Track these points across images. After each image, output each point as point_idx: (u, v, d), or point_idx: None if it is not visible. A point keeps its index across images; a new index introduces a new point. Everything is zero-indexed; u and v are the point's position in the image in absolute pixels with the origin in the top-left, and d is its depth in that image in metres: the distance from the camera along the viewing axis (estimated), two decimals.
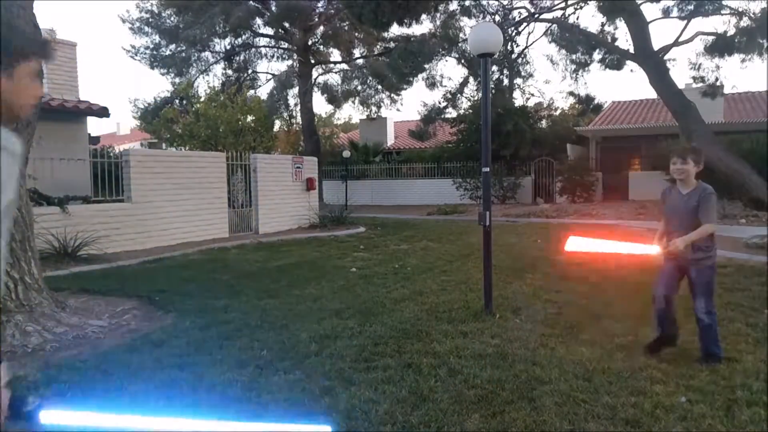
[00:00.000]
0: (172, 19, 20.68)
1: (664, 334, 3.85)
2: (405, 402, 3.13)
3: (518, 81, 22.18)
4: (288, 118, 25.31)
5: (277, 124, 26.79)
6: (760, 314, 4.92)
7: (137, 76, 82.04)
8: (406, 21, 14.87)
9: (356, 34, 21.31)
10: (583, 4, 14.59)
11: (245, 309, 5.41)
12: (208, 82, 34.61)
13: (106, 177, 9.98)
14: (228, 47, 22.07)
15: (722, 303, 5.35)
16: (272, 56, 23.44)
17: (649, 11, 35.03)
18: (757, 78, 53.54)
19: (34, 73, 1.65)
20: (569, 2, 14.64)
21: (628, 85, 74.53)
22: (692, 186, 3.70)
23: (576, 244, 3.85)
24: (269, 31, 22.00)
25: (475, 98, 21.56)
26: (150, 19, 20.73)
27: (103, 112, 11.23)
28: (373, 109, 25.32)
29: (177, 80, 23.10)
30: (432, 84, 21.30)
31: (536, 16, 15.22)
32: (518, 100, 23.93)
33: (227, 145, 20.57)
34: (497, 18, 15.54)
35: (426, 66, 19.02)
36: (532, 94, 31.45)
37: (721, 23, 34.91)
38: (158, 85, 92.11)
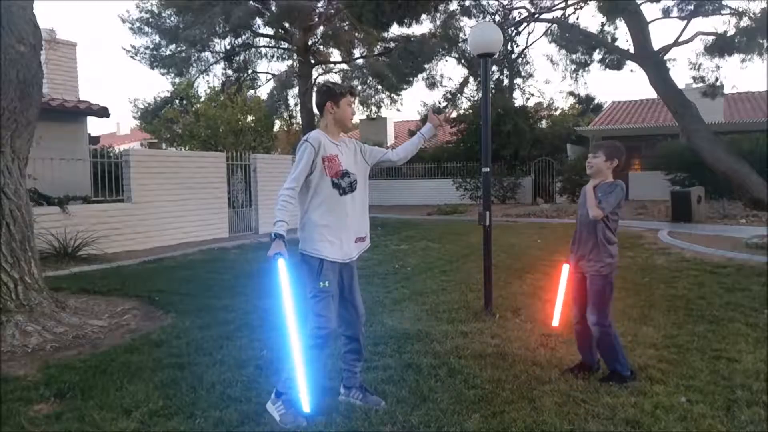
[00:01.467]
0: (172, 19, 20.63)
1: (581, 362, 3.59)
2: (405, 402, 3.13)
3: (518, 81, 22.24)
4: (288, 118, 25.31)
5: (277, 124, 26.81)
6: (760, 314, 4.93)
7: (137, 76, 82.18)
8: (406, 21, 14.82)
9: (356, 34, 21.28)
10: (583, 4, 14.56)
11: (245, 309, 5.41)
12: (208, 82, 34.68)
13: (106, 177, 9.98)
14: (228, 47, 22.02)
15: (722, 303, 5.36)
16: (272, 56, 23.37)
17: (649, 11, 35.08)
18: (757, 78, 53.66)
19: (349, 102, 3.05)
20: (569, 2, 14.61)
21: (628, 85, 74.60)
22: (601, 180, 3.43)
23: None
24: (269, 31, 21.96)
25: (475, 98, 21.58)
26: (150, 19, 20.69)
27: (103, 112, 11.23)
28: (373, 109, 25.30)
29: (177, 80, 23.08)
30: (432, 84, 21.29)
31: (536, 16, 15.19)
32: (518, 100, 24.00)
33: (227, 145, 20.61)
34: (497, 18, 15.51)
35: (426, 66, 19.01)
36: (532, 94, 31.47)
37: (721, 23, 34.95)
38: (158, 85, 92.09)
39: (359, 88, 23.99)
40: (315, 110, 3.24)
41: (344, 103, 3.02)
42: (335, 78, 24.45)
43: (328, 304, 2.94)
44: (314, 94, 3.16)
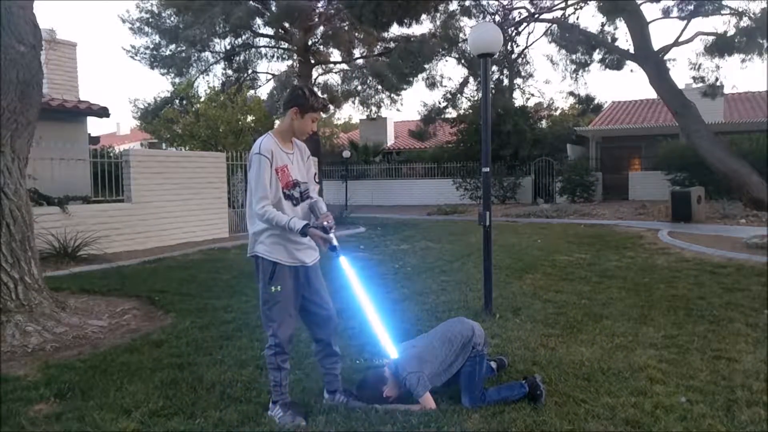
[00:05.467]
0: (172, 19, 20.62)
1: None
2: (405, 402, 3.12)
3: (518, 81, 22.14)
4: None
5: (277, 124, 26.82)
6: (760, 314, 4.93)
7: (137, 76, 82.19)
8: (406, 21, 14.84)
9: (356, 34, 21.27)
10: (583, 4, 14.58)
11: (245, 309, 5.41)
12: (208, 82, 34.59)
13: (106, 177, 9.98)
14: (228, 47, 22.00)
15: (722, 303, 5.36)
16: (272, 56, 23.35)
17: (649, 11, 35.07)
18: (757, 78, 53.67)
19: (314, 118, 2.95)
20: (569, 2, 14.62)
21: (628, 85, 74.64)
22: None
23: None
24: (269, 31, 21.95)
25: (475, 98, 21.56)
26: (150, 19, 20.68)
27: (103, 112, 11.23)
28: (373, 109, 25.26)
29: (177, 80, 23.07)
30: (432, 84, 21.25)
31: (536, 16, 15.20)
32: (518, 100, 23.93)
33: (227, 145, 20.58)
34: (497, 18, 15.52)
35: (426, 66, 18.97)
36: (532, 94, 31.37)
37: (721, 23, 34.93)
38: (158, 85, 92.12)
39: (359, 88, 24.00)
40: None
41: (309, 117, 2.94)
42: (335, 78, 24.49)
43: (280, 309, 2.92)
44: (288, 91, 3.10)
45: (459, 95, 20.95)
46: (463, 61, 18.92)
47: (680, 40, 11.77)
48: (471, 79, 19.92)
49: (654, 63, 11.10)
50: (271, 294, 2.90)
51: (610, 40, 14.34)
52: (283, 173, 2.90)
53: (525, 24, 15.69)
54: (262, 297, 2.96)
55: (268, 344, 2.98)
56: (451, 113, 22.71)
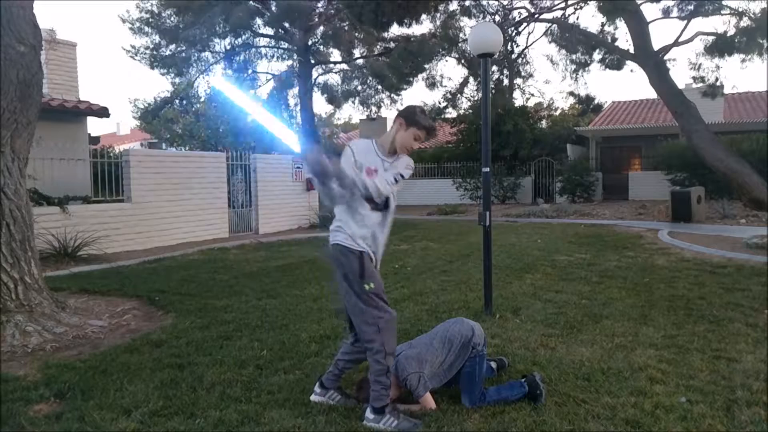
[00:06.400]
0: (172, 19, 20.62)
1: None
2: (405, 402, 3.12)
3: (518, 81, 22.20)
4: (288, 118, 25.32)
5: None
6: (760, 314, 4.93)
7: (137, 76, 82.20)
8: (406, 21, 14.86)
9: (356, 34, 21.26)
10: (583, 4, 14.58)
11: (245, 309, 5.41)
12: (208, 82, 34.60)
13: (106, 177, 9.98)
14: (228, 47, 22.02)
15: (722, 303, 5.36)
16: (272, 56, 23.39)
17: (649, 11, 35.09)
18: (757, 78, 53.66)
19: (416, 136, 2.99)
20: (569, 2, 14.63)
21: (628, 85, 74.58)
22: None
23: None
24: (269, 31, 21.96)
25: (475, 98, 21.58)
26: (150, 19, 20.68)
27: (103, 112, 11.23)
28: (373, 109, 25.27)
29: (177, 80, 23.07)
30: (432, 84, 21.28)
31: (536, 16, 15.22)
32: (518, 100, 23.96)
33: (227, 145, 20.57)
34: (497, 18, 15.53)
35: (426, 66, 19.00)
36: (532, 94, 31.45)
37: (721, 23, 34.95)
38: (158, 85, 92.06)
39: (359, 88, 23.99)
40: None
41: (411, 132, 2.98)
42: (335, 78, 24.50)
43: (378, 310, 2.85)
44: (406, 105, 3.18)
45: (459, 95, 20.99)
46: (463, 61, 18.95)
47: (680, 40, 11.76)
48: (471, 79, 19.95)
49: (654, 63, 11.10)
50: (365, 291, 2.83)
51: (610, 40, 14.34)
52: (370, 175, 2.90)
53: (525, 24, 15.71)
54: (358, 294, 2.85)
55: (373, 350, 2.86)
56: (451, 113, 22.75)
